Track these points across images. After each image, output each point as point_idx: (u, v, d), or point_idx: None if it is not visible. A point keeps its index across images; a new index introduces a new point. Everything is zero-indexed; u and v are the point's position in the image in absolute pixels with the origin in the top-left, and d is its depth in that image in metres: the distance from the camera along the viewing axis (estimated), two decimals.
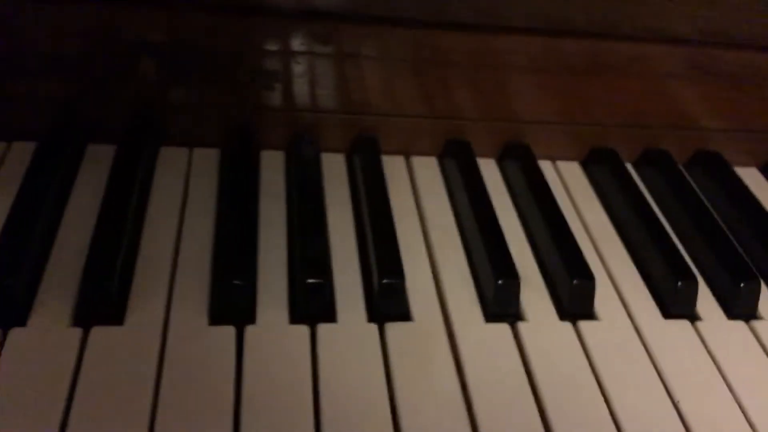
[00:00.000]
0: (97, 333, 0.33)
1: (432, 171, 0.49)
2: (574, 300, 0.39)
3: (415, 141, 0.50)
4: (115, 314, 0.34)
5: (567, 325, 0.38)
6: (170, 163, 0.45)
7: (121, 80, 0.45)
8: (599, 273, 0.42)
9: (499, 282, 0.38)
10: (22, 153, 0.43)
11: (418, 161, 0.49)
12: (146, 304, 0.35)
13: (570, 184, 0.50)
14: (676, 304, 0.40)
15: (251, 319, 0.36)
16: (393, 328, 0.36)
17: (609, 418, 0.34)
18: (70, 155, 0.44)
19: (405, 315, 0.38)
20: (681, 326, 0.40)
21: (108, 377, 0.31)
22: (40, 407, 0.30)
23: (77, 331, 0.33)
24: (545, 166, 0.50)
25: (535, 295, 0.40)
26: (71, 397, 0.30)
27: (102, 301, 0.34)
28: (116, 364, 0.32)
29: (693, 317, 0.41)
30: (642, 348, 0.38)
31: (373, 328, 0.36)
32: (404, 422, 0.32)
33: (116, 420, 0.30)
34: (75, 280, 0.35)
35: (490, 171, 0.49)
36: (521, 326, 0.38)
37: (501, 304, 0.38)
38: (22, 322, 0.33)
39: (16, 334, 0.33)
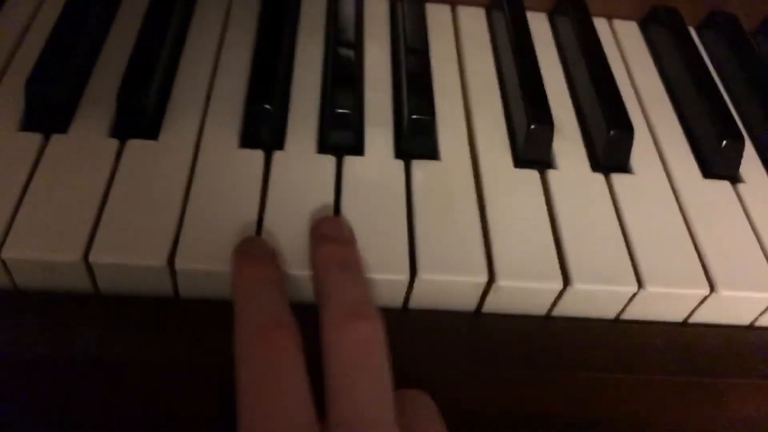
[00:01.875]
0: (132, 145, 0.35)
1: (477, 22, 0.47)
2: (610, 151, 0.38)
3: None
4: (151, 129, 0.35)
5: (598, 177, 0.37)
6: None
7: None
8: (641, 131, 0.40)
9: (532, 126, 0.37)
10: None
11: (464, 11, 0.47)
12: (181, 122, 0.36)
13: (624, 44, 0.47)
14: (718, 163, 0.38)
15: (280, 145, 0.36)
16: (419, 166, 0.36)
17: (631, 270, 0.33)
18: None
19: (432, 154, 0.37)
20: (720, 186, 0.38)
21: (139, 188, 0.33)
22: (74, 208, 0.31)
23: (114, 142, 0.35)
24: (600, 24, 0.48)
25: (569, 145, 0.39)
26: (103, 203, 0.32)
27: (137, 114, 0.35)
28: (148, 176, 0.33)
29: (735, 179, 0.39)
30: (675, 205, 0.37)
31: (399, 164, 0.36)
32: (421, 255, 0.32)
33: (144, 227, 0.31)
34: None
35: (539, 24, 0.47)
36: (550, 174, 0.37)
37: (532, 150, 0.37)
38: (63, 129, 0.35)
39: (56, 140, 0.34)
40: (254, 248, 0.31)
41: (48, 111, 0.34)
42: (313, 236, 0.32)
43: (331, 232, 0.32)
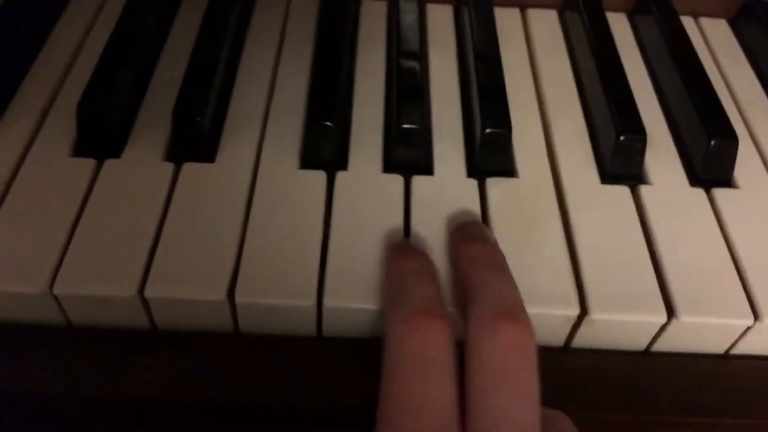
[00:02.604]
0: (189, 168, 0.32)
1: (550, 25, 0.43)
2: (711, 163, 0.34)
3: None
4: (207, 151, 0.33)
5: (698, 192, 0.33)
6: (269, 3, 0.43)
7: None
8: (744, 139, 0.36)
9: (621, 137, 0.33)
10: None
11: (534, 14, 0.44)
12: (238, 144, 0.34)
13: (715, 44, 0.43)
14: None
15: (343, 165, 0.34)
16: (495, 184, 0.33)
17: (744, 298, 0.29)
18: None
19: (509, 171, 0.34)
20: None
21: (196, 215, 0.31)
22: (129, 238, 0.29)
23: (169, 166, 0.33)
24: (686, 23, 0.43)
25: (662, 157, 0.35)
26: (159, 230, 0.30)
27: (193, 135, 0.33)
28: (206, 200, 0.31)
29: None
30: None
31: (473, 183, 0.33)
32: None
33: (201, 258, 0.29)
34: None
35: (619, 25, 0.43)
36: (643, 189, 0.33)
37: (621, 163, 0.34)
38: (116, 154, 0.33)
39: (110, 166, 0.32)
40: (411, 246, 0.29)
41: (101, 134, 0.33)
42: (458, 235, 0.30)
43: (478, 233, 0.30)
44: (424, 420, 0.23)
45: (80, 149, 0.33)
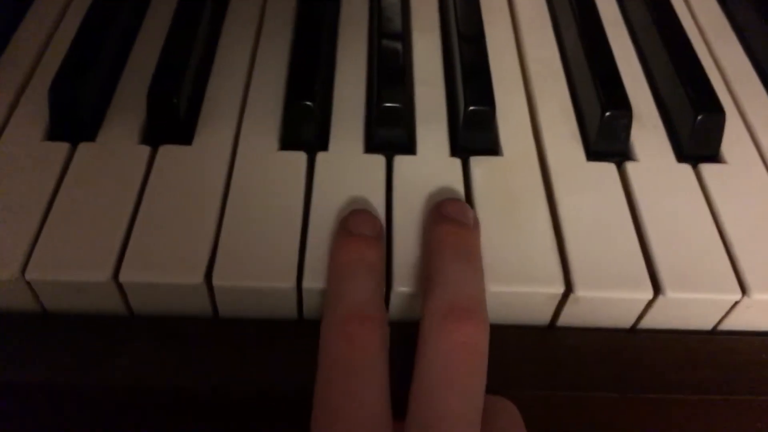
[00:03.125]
0: (165, 151, 0.32)
1: (535, 1, 0.42)
2: (698, 138, 0.33)
3: None
4: (184, 133, 0.32)
5: (685, 167, 0.33)
6: None
7: None
8: (731, 113, 0.35)
9: (607, 114, 0.32)
10: None
11: None
12: (216, 125, 0.33)
13: (703, 21, 0.42)
14: None
15: (324, 146, 0.33)
16: (479, 163, 0.32)
17: (732, 273, 0.29)
18: None
19: (493, 150, 0.33)
20: None
21: (173, 195, 0.30)
22: (104, 222, 0.29)
23: (145, 149, 0.32)
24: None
25: (648, 134, 0.34)
26: (135, 216, 0.29)
27: (169, 116, 0.32)
28: (183, 182, 0.31)
29: None
30: None
31: (456, 162, 0.32)
32: (486, 264, 0.28)
33: (178, 241, 0.28)
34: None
35: (606, 3, 0.42)
36: (630, 166, 0.33)
37: (607, 140, 0.33)
38: (91, 137, 0.32)
39: (83, 149, 0.32)
40: (361, 227, 0.28)
41: (74, 117, 0.32)
42: (434, 215, 0.29)
43: (454, 213, 0.28)
44: (349, 424, 0.23)
45: (53, 133, 0.32)
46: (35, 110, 0.33)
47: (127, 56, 0.36)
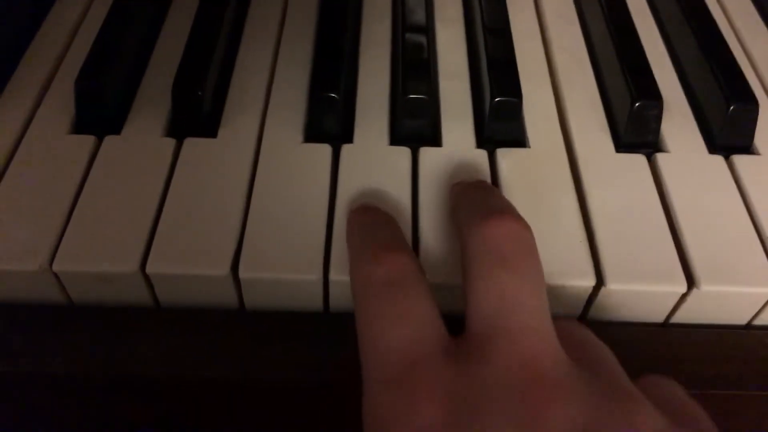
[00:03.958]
0: (190, 144, 0.32)
1: None
2: (730, 129, 0.32)
3: None
4: (209, 126, 0.32)
5: (717, 159, 0.32)
6: None
7: None
8: (764, 104, 0.35)
9: (637, 103, 0.32)
10: None
11: None
12: (241, 118, 0.33)
13: (731, 9, 0.41)
14: None
15: (348, 138, 0.33)
16: (506, 154, 0.32)
17: (766, 263, 0.28)
18: None
19: (520, 141, 0.33)
20: None
21: (199, 187, 0.30)
22: (130, 214, 0.29)
23: (170, 141, 0.32)
24: None
25: (679, 124, 0.34)
26: (161, 208, 0.29)
27: (193, 109, 0.32)
28: (208, 175, 0.30)
29: None
30: None
31: (483, 154, 0.32)
32: None
33: (204, 233, 0.28)
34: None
35: None
36: (660, 157, 0.32)
37: (637, 130, 0.32)
38: (116, 130, 0.32)
39: (109, 142, 0.32)
40: (367, 205, 0.29)
41: (100, 110, 0.32)
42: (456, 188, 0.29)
43: (476, 184, 0.29)
44: (412, 326, 0.21)
45: (79, 126, 0.33)
46: (61, 104, 0.33)
47: (151, 50, 0.36)
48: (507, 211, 0.24)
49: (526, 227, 0.23)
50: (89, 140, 0.32)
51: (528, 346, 0.20)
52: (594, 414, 0.19)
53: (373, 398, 0.21)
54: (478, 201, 0.25)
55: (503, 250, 0.22)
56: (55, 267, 0.27)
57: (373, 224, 0.27)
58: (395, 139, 0.33)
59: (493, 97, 0.32)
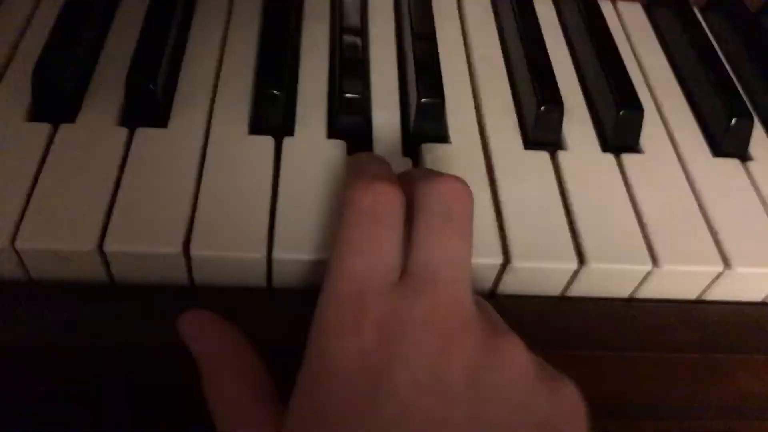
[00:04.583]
0: (142, 133, 0.34)
1: (481, 5, 0.46)
2: (619, 131, 0.38)
3: None
4: (160, 117, 0.35)
5: (609, 157, 0.37)
6: None
7: None
8: (650, 111, 0.40)
9: (542, 108, 0.37)
10: None
11: None
12: (190, 109, 0.36)
13: (630, 26, 0.47)
14: (727, 141, 0.38)
15: (290, 131, 0.36)
16: (430, 150, 0.36)
17: (645, 248, 0.33)
18: None
19: (443, 137, 0.37)
20: (730, 164, 0.38)
21: (151, 174, 0.33)
22: (86, 197, 0.31)
23: (123, 131, 0.34)
24: (605, 7, 0.47)
25: (578, 127, 0.39)
26: (115, 192, 0.32)
27: (146, 101, 0.34)
28: (159, 164, 0.33)
29: (744, 157, 0.39)
30: (686, 183, 0.37)
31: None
32: None
33: (157, 215, 0.31)
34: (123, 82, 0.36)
35: (544, 8, 0.47)
36: (561, 155, 0.37)
37: (542, 131, 0.37)
38: (71, 118, 0.35)
39: (64, 130, 0.34)
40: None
41: (55, 99, 0.34)
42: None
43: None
44: (368, 262, 0.26)
45: (35, 114, 0.35)
46: (17, 92, 0.35)
47: (104, 38, 0.39)
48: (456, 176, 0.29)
49: (471, 192, 0.28)
50: (45, 128, 0.34)
51: (454, 292, 0.26)
52: (483, 348, 0.25)
53: (324, 310, 0.26)
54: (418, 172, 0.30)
55: (452, 208, 0.27)
56: (17, 245, 0.29)
57: (370, 159, 0.31)
58: (332, 133, 0.36)
59: (419, 98, 0.36)
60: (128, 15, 0.40)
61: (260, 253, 0.31)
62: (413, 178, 0.29)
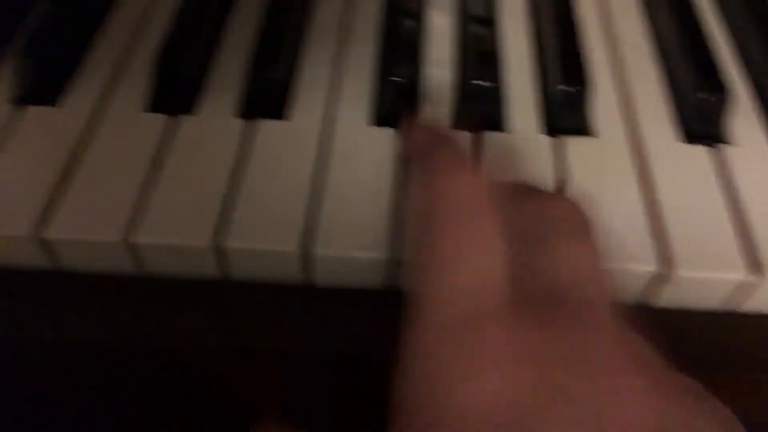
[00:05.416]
0: (263, 126, 0.32)
1: None
2: None
3: None
4: (279, 108, 0.33)
5: None
6: None
7: None
8: None
9: (701, 95, 0.32)
10: None
11: None
12: (309, 101, 0.34)
13: None
14: None
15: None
16: (573, 143, 0.32)
17: None
18: None
19: (586, 131, 0.33)
20: None
21: (271, 169, 0.31)
22: (203, 193, 0.30)
23: (241, 122, 0.33)
24: None
25: (744, 117, 0.34)
26: (235, 186, 0.30)
27: (266, 92, 0.33)
28: (279, 157, 0.31)
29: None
30: None
31: (548, 140, 0.32)
32: None
33: (277, 205, 0.29)
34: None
35: None
36: (728, 150, 0.32)
37: (701, 122, 0.32)
38: (189, 110, 0.33)
39: (183, 121, 0.33)
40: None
41: (175, 90, 0.33)
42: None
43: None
44: (480, 267, 0.19)
45: (154, 105, 0.33)
46: (135, 82, 0.34)
47: (224, 30, 0.37)
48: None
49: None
50: (162, 119, 0.32)
51: (600, 317, 0.20)
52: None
53: (426, 344, 0.18)
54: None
55: (574, 219, 0.22)
56: (141, 239, 0.28)
57: (445, 139, 0.25)
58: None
59: (557, 86, 0.33)
60: (247, 4, 0.39)
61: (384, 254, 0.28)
62: (508, 198, 0.23)
